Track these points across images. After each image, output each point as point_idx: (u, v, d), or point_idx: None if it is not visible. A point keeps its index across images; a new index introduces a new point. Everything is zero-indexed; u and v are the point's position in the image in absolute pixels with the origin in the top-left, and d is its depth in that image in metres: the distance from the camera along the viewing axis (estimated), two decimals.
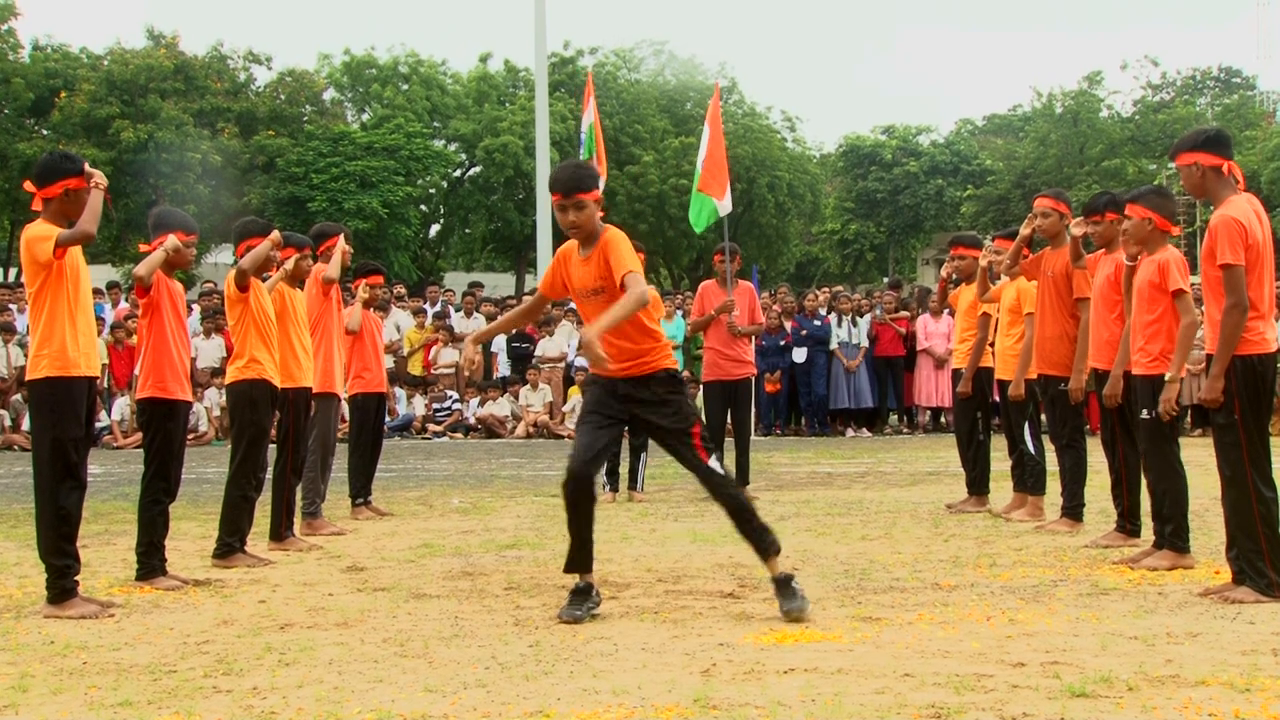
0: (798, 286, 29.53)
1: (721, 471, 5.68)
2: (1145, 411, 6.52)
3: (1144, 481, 7.08)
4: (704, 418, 8.04)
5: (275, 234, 7.40)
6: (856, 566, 6.83)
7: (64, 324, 5.84)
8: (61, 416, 5.81)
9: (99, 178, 5.92)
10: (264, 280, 7.66)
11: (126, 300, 18.62)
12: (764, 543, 5.60)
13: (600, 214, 5.73)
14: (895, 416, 19.10)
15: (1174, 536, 6.61)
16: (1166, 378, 6.38)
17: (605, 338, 5.45)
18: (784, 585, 5.53)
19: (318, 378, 8.30)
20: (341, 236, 8.68)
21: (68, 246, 5.83)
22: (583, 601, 5.56)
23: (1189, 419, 15.71)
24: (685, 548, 7.62)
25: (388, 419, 13.33)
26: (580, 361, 18.36)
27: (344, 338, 8.96)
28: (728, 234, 11.81)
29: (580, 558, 5.62)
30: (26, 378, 6.03)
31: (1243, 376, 5.75)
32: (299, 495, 8.28)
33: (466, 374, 5.76)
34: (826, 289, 20.70)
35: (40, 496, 5.85)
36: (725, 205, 11.87)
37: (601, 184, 15.11)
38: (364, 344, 9.61)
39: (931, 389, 18.04)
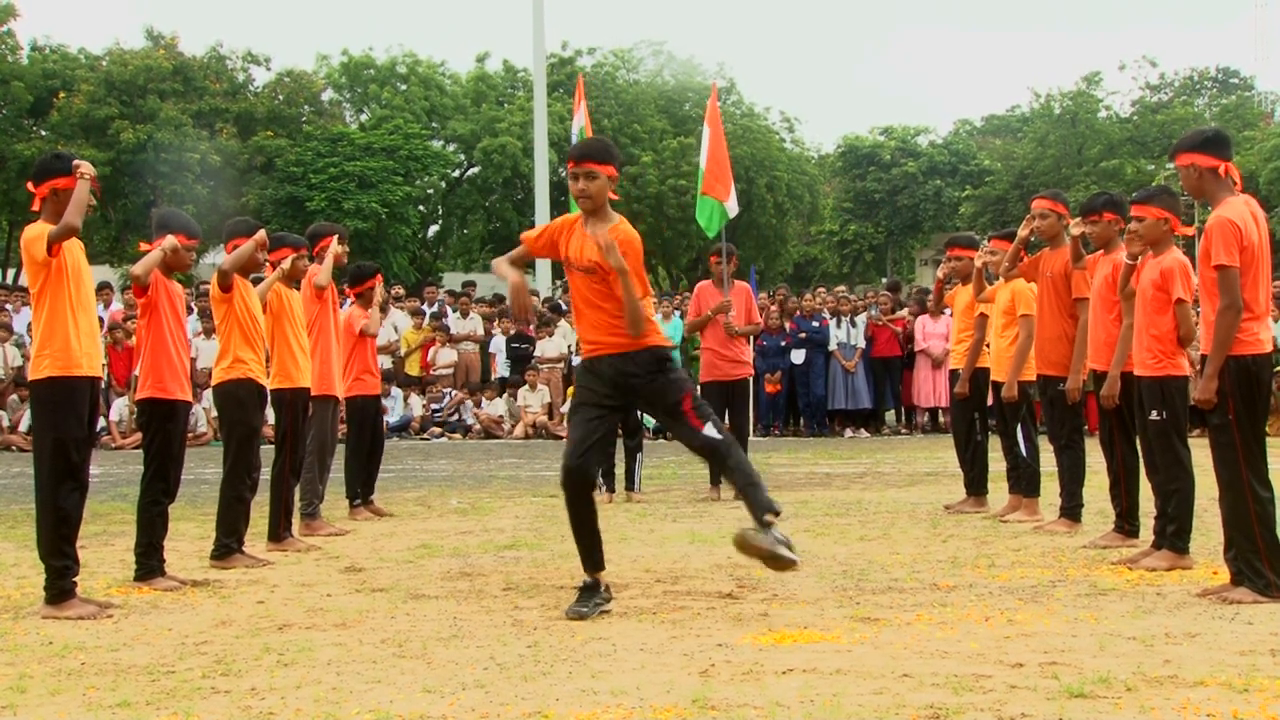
0: (796, 287, 29.51)
1: (719, 436, 5.61)
2: (1155, 412, 6.51)
3: (1145, 482, 7.09)
4: None
5: (260, 234, 7.35)
6: (855, 567, 6.83)
7: (66, 323, 5.84)
8: (63, 416, 5.81)
9: (85, 168, 5.88)
10: (257, 281, 7.66)
11: (121, 301, 18.61)
12: (763, 501, 5.45)
13: (612, 196, 5.76)
14: (893, 417, 19.10)
15: (1175, 537, 6.61)
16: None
17: (599, 318, 5.64)
18: (767, 527, 5.40)
19: (315, 379, 8.29)
20: (335, 238, 8.61)
21: (60, 242, 5.82)
22: (590, 598, 5.60)
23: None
24: (683, 548, 7.62)
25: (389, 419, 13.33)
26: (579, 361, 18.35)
27: (341, 339, 8.94)
28: (724, 235, 11.81)
29: (593, 557, 5.70)
30: (29, 378, 6.02)
31: (1237, 377, 5.75)
32: (297, 496, 8.28)
33: (523, 322, 5.89)
34: (823, 289, 20.71)
35: (40, 497, 5.85)
36: (732, 206, 11.88)
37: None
38: (364, 347, 9.60)
39: (930, 389, 18.06)
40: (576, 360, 18.17)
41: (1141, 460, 7.05)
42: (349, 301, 10.05)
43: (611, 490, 10.45)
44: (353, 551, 7.74)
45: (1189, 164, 5.97)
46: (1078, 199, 22.64)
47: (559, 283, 28.17)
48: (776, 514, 5.48)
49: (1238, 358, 5.75)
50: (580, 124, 13.84)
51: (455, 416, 18.52)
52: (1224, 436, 5.79)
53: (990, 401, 9.21)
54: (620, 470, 10.54)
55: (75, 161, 5.91)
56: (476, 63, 38.07)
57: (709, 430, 5.60)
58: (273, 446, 7.94)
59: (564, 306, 20.34)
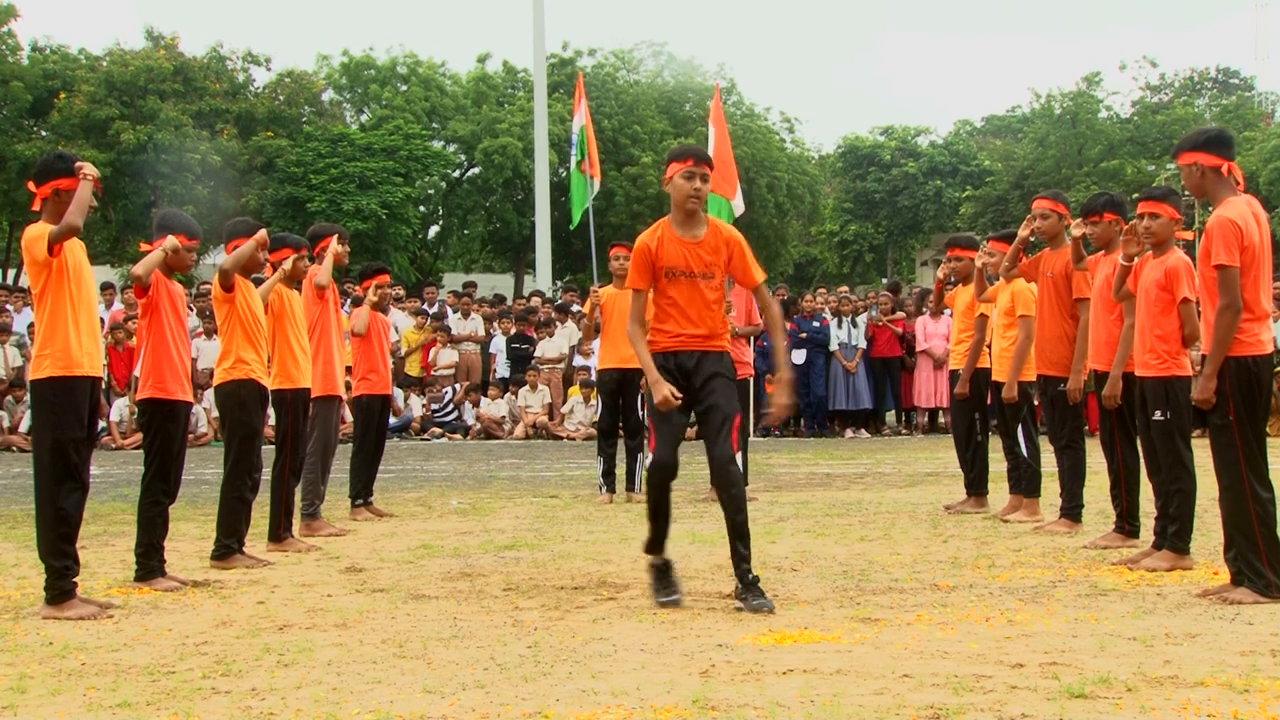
0: (797, 287, 29.51)
1: (741, 470, 5.93)
2: (1159, 412, 6.51)
3: (1145, 482, 7.09)
4: None
5: (261, 234, 7.35)
6: (855, 567, 6.83)
7: (67, 323, 5.84)
8: (63, 417, 5.81)
9: (87, 169, 5.89)
10: (258, 282, 7.66)
11: (122, 301, 18.61)
12: (745, 560, 5.77)
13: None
14: (894, 417, 19.12)
15: (1176, 537, 6.62)
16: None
17: (692, 317, 5.87)
18: (754, 585, 5.73)
19: (317, 380, 8.30)
20: (334, 238, 8.61)
21: (61, 242, 5.83)
22: (669, 580, 5.85)
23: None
24: (684, 549, 7.61)
25: (392, 418, 13.36)
26: (580, 361, 18.35)
27: (343, 339, 8.95)
28: None
29: (664, 542, 5.95)
30: (29, 377, 6.03)
31: (1237, 378, 5.75)
32: (298, 496, 8.28)
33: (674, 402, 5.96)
34: (824, 289, 20.73)
35: (40, 497, 5.85)
36: (738, 204, 11.84)
37: (596, 187, 14.89)
38: (371, 345, 9.61)
39: (930, 390, 18.08)
40: (577, 361, 18.24)
41: (1143, 460, 7.05)
42: (350, 301, 10.12)
43: (612, 490, 10.44)
44: (353, 552, 7.74)
45: (1192, 162, 5.96)
46: (1078, 199, 22.64)
47: (559, 283, 28.19)
48: (747, 576, 5.77)
49: (1238, 358, 5.75)
50: (581, 123, 13.85)
51: (455, 416, 18.52)
52: (1224, 437, 5.79)
53: (990, 402, 9.21)
54: (621, 470, 10.53)
55: (78, 162, 5.92)
56: (477, 63, 38.07)
57: (738, 458, 5.88)
58: (273, 447, 7.94)
59: (566, 307, 20.35)
